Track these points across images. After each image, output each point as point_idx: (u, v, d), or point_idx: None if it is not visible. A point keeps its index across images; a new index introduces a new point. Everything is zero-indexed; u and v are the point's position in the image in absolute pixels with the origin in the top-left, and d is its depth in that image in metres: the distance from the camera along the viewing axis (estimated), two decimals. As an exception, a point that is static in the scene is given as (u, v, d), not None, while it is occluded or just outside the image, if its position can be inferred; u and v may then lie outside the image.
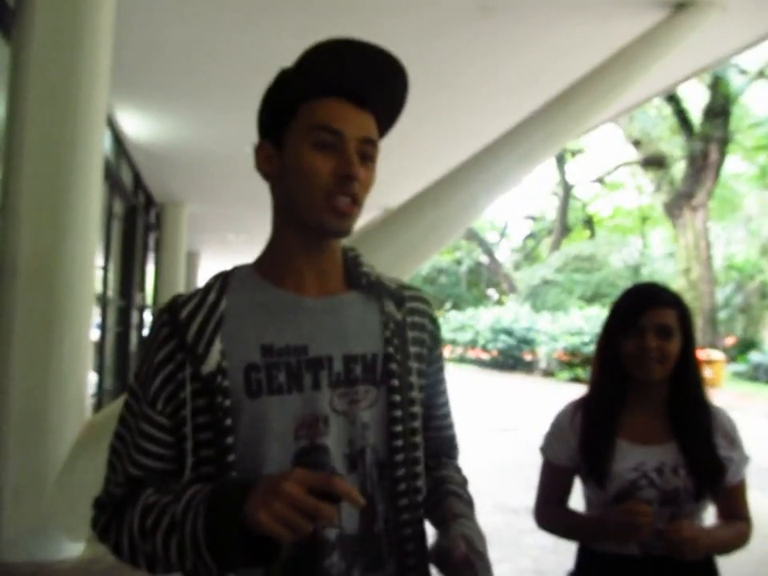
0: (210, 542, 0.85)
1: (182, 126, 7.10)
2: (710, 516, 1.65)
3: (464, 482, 1.20)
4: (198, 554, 0.87)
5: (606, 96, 4.57)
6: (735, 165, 27.21)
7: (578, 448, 1.61)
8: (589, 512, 1.66)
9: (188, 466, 0.95)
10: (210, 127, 7.09)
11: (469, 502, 1.13)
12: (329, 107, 0.98)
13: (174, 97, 6.18)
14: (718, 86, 21.16)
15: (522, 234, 38.13)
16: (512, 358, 22.71)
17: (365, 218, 10.60)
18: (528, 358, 22.48)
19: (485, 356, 24.15)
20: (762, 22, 4.66)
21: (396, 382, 1.02)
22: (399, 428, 1.02)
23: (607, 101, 4.61)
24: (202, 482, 0.93)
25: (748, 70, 22.11)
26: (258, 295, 1.01)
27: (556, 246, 30.64)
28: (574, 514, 1.67)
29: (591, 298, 25.00)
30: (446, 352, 27.91)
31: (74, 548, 3.56)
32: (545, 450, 1.71)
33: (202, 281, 1.00)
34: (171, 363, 0.97)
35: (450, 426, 1.21)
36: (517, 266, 34.16)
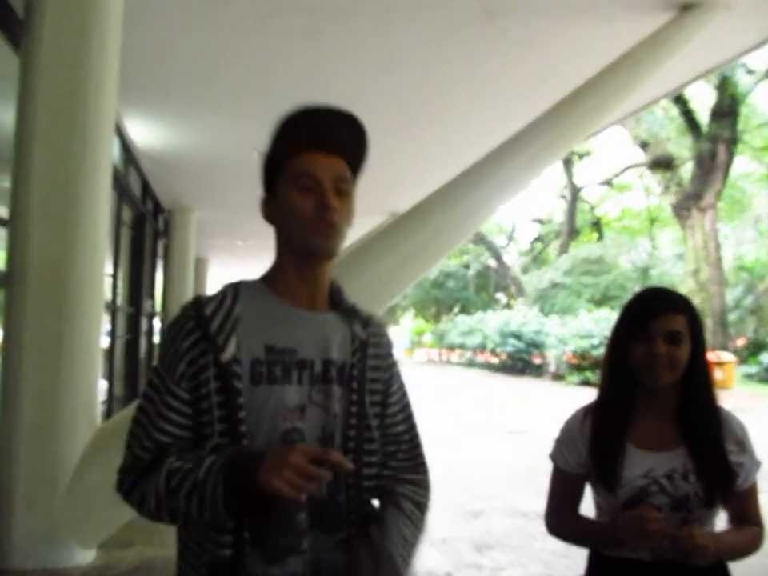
0: (226, 501, 1.10)
1: (190, 133, 7.13)
2: (721, 521, 1.63)
3: (417, 503, 1.38)
4: (215, 510, 1.12)
5: (613, 98, 4.56)
6: (744, 165, 27.09)
7: (588, 454, 1.60)
8: (599, 518, 1.65)
9: (216, 431, 1.19)
10: (217, 134, 7.13)
11: (406, 514, 1.32)
12: (305, 159, 1.27)
13: (182, 104, 6.21)
14: (725, 86, 21.09)
15: (530, 237, 38.10)
16: (521, 361, 22.66)
17: (372, 222, 10.62)
18: (537, 361, 22.42)
19: (494, 360, 24.10)
20: (766, 24, 4.64)
21: (355, 385, 1.30)
22: (353, 421, 1.28)
23: (614, 103, 4.60)
24: (217, 452, 1.17)
25: (756, 69, 22.03)
26: (263, 304, 1.29)
27: (564, 248, 30.59)
28: (585, 520, 1.66)
29: (600, 301, 24.93)
30: (455, 356, 27.90)
31: (86, 555, 3.57)
32: (555, 457, 1.70)
33: (210, 286, 1.22)
34: (195, 349, 1.21)
35: (408, 431, 1.40)
36: (525, 270, 34.08)
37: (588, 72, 4.46)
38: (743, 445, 1.56)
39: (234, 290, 1.28)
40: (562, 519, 1.68)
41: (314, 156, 1.27)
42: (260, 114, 5.32)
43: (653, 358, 1.54)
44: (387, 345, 1.42)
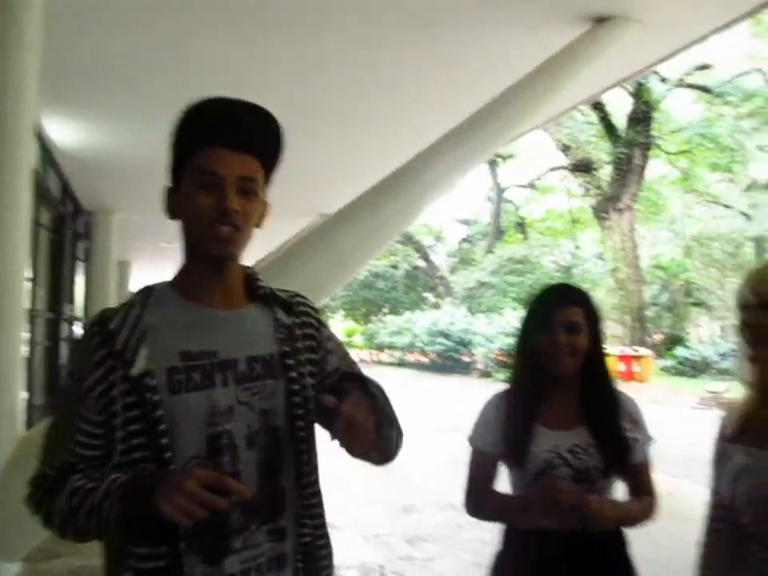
0: (121, 524, 1.09)
1: (112, 133, 6.95)
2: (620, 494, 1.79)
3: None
4: (110, 532, 1.12)
5: (534, 104, 4.73)
6: (659, 169, 28.34)
7: (502, 434, 1.75)
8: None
9: (117, 450, 1.17)
10: (141, 135, 6.96)
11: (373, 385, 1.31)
12: (208, 155, 1.21)
13: (104, 104, 6.05)
14: (640, 93, 22.06)
15: (457, 238, 38.71)
16: (450, 359, 23.01)
17: (301, 224, 10.58)
18: (466, 359, 22.82)
19: (423, 359, 24.38)
20: (677, 37, 4.92)
21: (293, 374, 1.27)
22: (298, 411, 1.26)
23: (534, 109, 4.77)
24: (130, 467, 1.16)
25: (668, 78, 23.12)
26: (175, 309, 1.25)
27: (490, 248, 31.24)
28: (500, 495, 1.80)
29: (525, 300, 25.62)
30: (385, 356, 28.07)
31: (11, 568, 3.45)
32: (472, 438, 1.85)
33: (134, 290, 1.20)
34: (103, 367, 1.17)
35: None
36: (453, 270, 34.63)
37: (510, 79, 4.62)
38: (637, 422, 1.75)
39: (143, 298, 1.24)
40: (478, 497, 1.81)
41: (220, 153, 1.20)
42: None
43: (555, 347, 1.70)
44: (316, 323, 1.37)
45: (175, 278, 1.30)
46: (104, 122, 6.59)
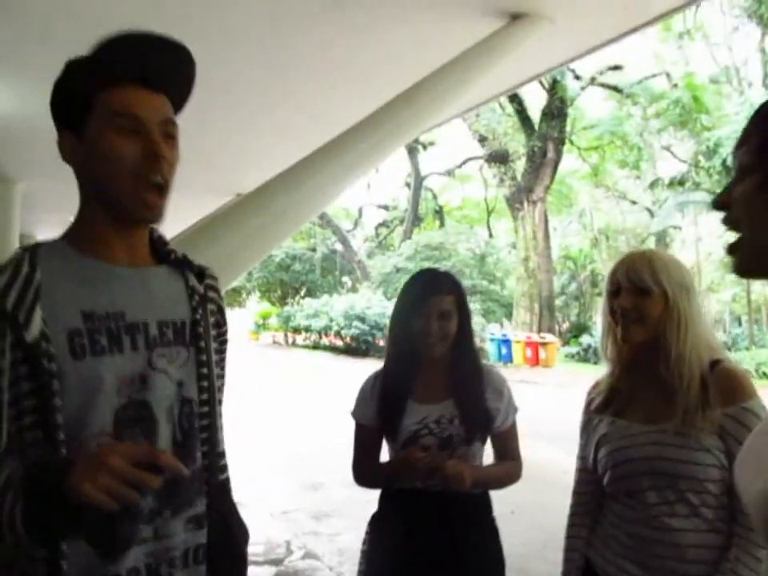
0: (27, 519, 0.91)
1: (12, 94, 6.61)
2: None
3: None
4: (16, 534, 0.92)
5: (448, 95, 4.84)
6: (571, 163, 29.33)
7: (377, 409, 1.92)
8: None
9: (3, 433, 0.98)
10: (45, 96, 6.66)
11: None
12: (126, 95, 1.05)
13: (4, 65, 5.75)
14: (555, 89, 22.72)
15: (376, 223, 38.89)
16: (365, 343, 23.19)
17: (217, 203, 10.41)
18: (381, 343, 23.04)
19: (339, 342, 24.46)
20: (586, 37, 5.16)
21: (203, 344, 1.16)
22: (205, 383, 1.16)
23: (449, 99, 4.89)
24: (17, 458, 0.97)
25: (582, 75, 23.92)
26: (71, 265, 1.08)
27: (408, 234, 31.56)
28: (376, 463, 1.97)
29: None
30: (300, 339, 27.99)
31: None
32: (354, 412, 1.99)
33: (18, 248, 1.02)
34: None
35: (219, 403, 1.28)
36: (370, 254, 34.82)
37: (427, 68, 4.71)
38: (501, 393, 1.90)
39: (31, 254, 1.06)
40: (362, 467, 1.96)
41: (137, 92, 1.06)
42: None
43: (428, 333, 1.83)
44: (222, 301, 1.29)
45: (69, 231, 1.15)
46: (3, 84, 6.25)
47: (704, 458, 1.47)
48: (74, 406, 1.01)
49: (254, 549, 4.28)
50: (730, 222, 0.83)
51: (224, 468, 1.22)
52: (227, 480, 1.22)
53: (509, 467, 1.94)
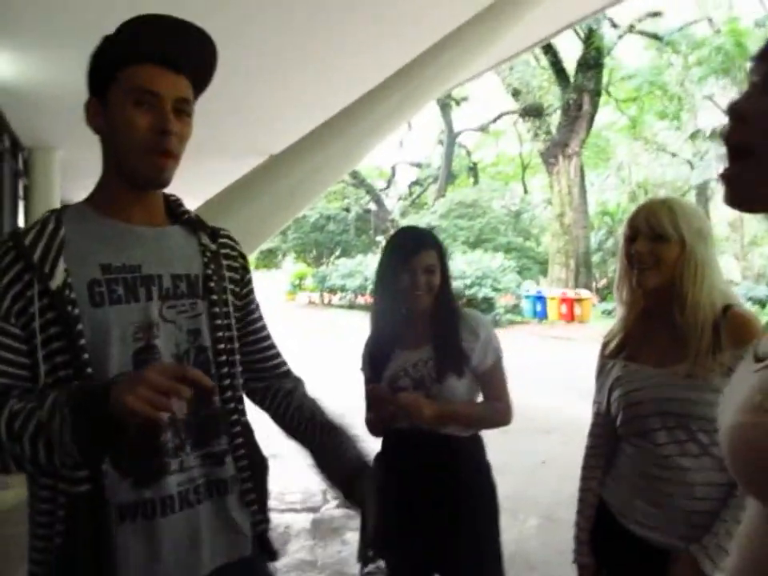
0: (75, 437, 1.03)
1: (51, 63, 6.69)
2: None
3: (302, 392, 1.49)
4: (65, 449, 1.04)
5: (481, 45, 4.79)
6: (608, 116, 28.61)
7: (368, 358, 2.08)
8: None
9: (41, 371, 1.12)
10: (82, 66, 6.75)
11: (317, 405, 1.47)
12: (146, 72, 1.18)
13: (40, 32, 5.83)
14: (591, 39, 22.04)
15: (409, 181, 38.64)
16: (400, 302, 23.28)
17: (250, 164, 10.47)
18: (415, 302, 23.12)
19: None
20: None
21: (215, 297, 1.27)
22: (221, 334, 1.27)
23: (482, 50, 4.83)
24: (59, 387, 1.10)
25: (620, 24, 23.16)
26: (92, 224, 1.22)
27: (441, 192, 31.31)
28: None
29: (474, 243, 25.91)
30: (336, 299, 28.26)
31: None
32: (361, 366, 2.16)
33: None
34: (20, 283, 1.13)
35: (271, 348, 1.47)
36: (404, 213, 34.66)
37: (456, 20, 4.65)
38: (477, 334, 2.01)
39: (57, 215, 1.20)
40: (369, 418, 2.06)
41: (156, 70, 1.18)
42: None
43: (416, 286, 1.97)
44: (242, 258, 1.41)
45: (91, 195, 1.28)
46: (41, 51, 6.35)
47: (714, 398, 1.49)
48: (98, 347, 1.13)
49: (291, 497, 4.45)
50: (739, 137, 0.70)
51: (243, 412, 1.34)
52: (248, 422, 1.34)
53: (488, 407, 2.03)
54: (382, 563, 1.85)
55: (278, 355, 1.49)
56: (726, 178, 0.71)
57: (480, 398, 2.06)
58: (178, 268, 1.25)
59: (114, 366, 1.15)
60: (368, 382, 2.08)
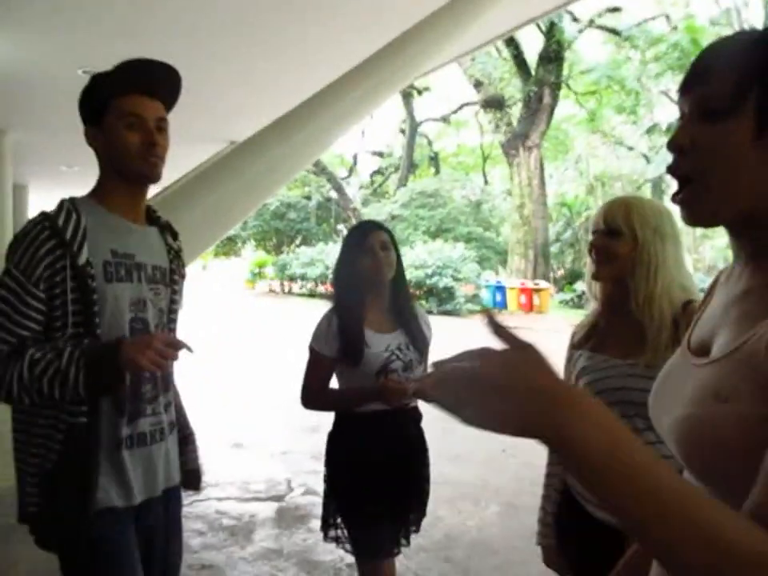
0: (87, 384, 1.41)
1: (3, 43, 6.50)
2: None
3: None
4: (76, 391, 1.42)
5: (443, 39, 4.81)
6: (567, 108, 28.97)
7: (339, 341, 2.16)
8: (344, 387, 2.26)
9: (70, 323, 1.47)
10: (33, 48, 6.55)
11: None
12: (133, 101, 1.56)
13: (-6, 12, 5.64)
14: (552, 32, 22.28)
15: (370, 170, 38.58)
16: (360, 291, 23.30)
17: (210, 150, 10.33)
18: (376, 291, 23.17)
19: (334, 290, 24.54)
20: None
21: (176, 287, 1.71)
22: (174, 315, 1.71)
23: (445, 43, 4.86)
24: (73, 342, 1.45)
25: (580, 18, 23.44)
26: (103, 218, 1.58)
27: (403, 182, 31.37)
28: (337, 390, 2.27)
29: (435, 233, 26.06)
30: (296, 287, 28.14)
31: None
32: (312, 343, 2.23)
33: (33, 214, 1.59)
34: (52, 255, 1.45)
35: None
36: (365, 202, 34.64)
37: (421, 12, 4.67)
38: (427, 323, 2.35)
39: (72, 205, 1.53)
40: (313, 392, 2.23)
41: (140, 99, 1.56)
42: (84, 31, 5.00)
43: (377, 261, 2.17)
44: (183, 263, 1.82)
45: (93, 192, 1.63)
46: (-6, 32, 6.14)
47: None
48: (106, 315, 1.50)
49: (256, 486, 4.45)
50: (683, 169, 0.77)
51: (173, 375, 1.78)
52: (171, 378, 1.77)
53: None
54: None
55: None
56: (677, 203, 0.79)
57: None
58: (156, 260, 1.65)
59: (115, 330, 1.51)
60: (330, 360, 2.19)
